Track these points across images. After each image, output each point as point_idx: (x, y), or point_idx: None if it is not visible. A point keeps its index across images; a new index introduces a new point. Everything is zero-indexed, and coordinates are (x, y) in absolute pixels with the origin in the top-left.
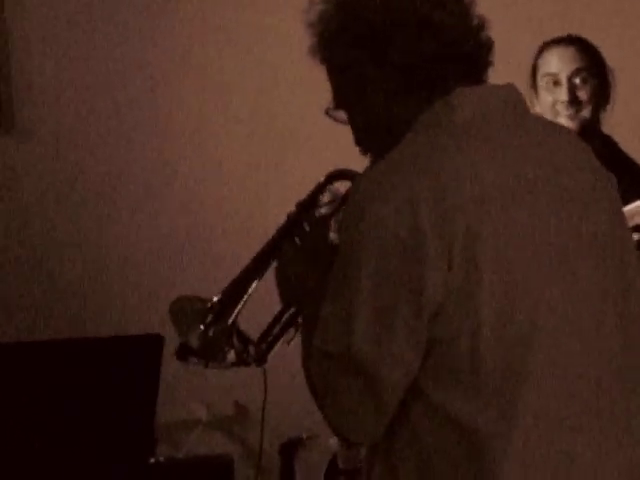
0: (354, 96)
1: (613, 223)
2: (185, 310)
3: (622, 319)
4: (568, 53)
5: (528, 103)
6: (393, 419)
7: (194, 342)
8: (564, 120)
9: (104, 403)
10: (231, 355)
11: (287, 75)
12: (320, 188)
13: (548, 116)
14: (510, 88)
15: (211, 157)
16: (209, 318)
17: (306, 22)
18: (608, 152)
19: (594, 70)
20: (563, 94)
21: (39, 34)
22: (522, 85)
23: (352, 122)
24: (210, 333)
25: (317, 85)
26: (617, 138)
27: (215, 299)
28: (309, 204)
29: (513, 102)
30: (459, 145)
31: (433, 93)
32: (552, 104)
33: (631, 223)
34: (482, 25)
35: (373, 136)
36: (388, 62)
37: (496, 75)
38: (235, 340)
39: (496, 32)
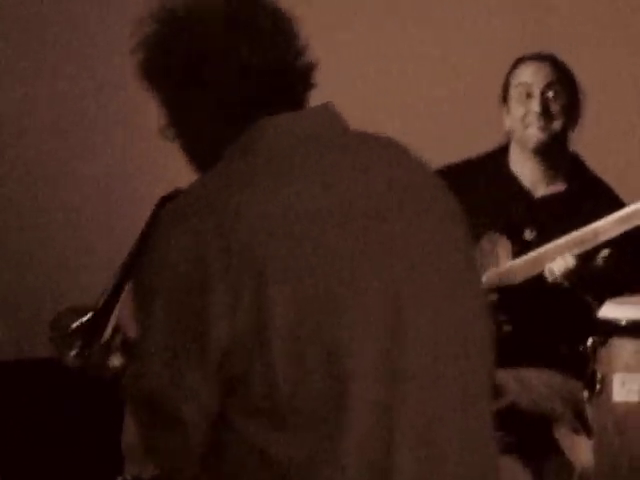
0: (176, 118)
1: (436, 238)
2: (63, 327)
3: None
4: (542, 67)
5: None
6: (212, 454)
7: (73, 362)
8: (534, 131)
9: (70, 422)
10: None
11: None
12: (155, 211)
13: (518, 128)
14: (324, 109)
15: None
16: (81, 341)
17: (131, 45)
18: (575, 169)
19: (566, 86)
20: (535, 105)
21: None
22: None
23: (179, 142)
24: (86, 353)
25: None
26: (585, 155)
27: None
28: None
29: (327, 123)
30: (252, 178)
31: (249, 122)
32: (523, 115)
33: (603, 238)
34: (300, 51)
35: (198, 158)
36: (203, 93)
37: (471, 92)
38: (119, 353)
39: (471, 49)
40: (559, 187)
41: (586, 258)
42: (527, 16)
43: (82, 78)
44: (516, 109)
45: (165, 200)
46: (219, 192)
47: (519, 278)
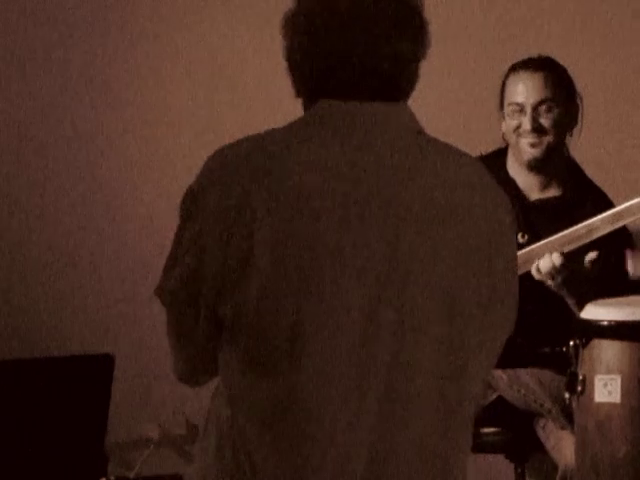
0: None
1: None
2: None
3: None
4: (535, 81)
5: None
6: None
7: None
8: (527, 147)
9: (54, 423)
10: None
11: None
12: None
13: (512, 138)
14: (394, 107)
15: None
16: None
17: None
18: (571, 175)
19: (560, 98)
20: (526, 122)
21: None
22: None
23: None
24: None
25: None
26: (583, 160)
27: None
28: None
29: (384, 118)
30: (287, 140)
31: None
32: (515, 128)
33: (594, 236)
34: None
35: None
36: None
37: (469, 93)
38: None
39: (469, 51)
40: (554, 192)
41: (572, 259)
42: (524, 19)
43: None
44: (509, 121)
45: None
46: (249, 146)
47: None
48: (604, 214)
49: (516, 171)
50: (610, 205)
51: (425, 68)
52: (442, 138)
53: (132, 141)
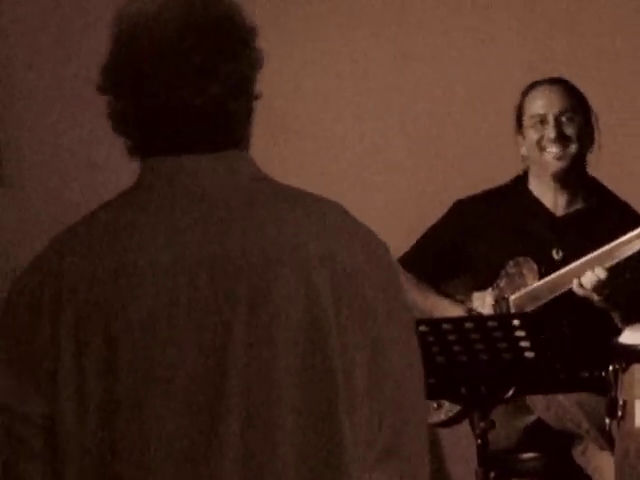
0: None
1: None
2: None
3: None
4: (554, 93)
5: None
6: None
7: None
8: (552, 159)
9: None
10: None
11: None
12: None
13: (535, 153)
14: (230, 157)
15: None
16: None
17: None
18: (594, 190)
19: (580, 109)
20: (550, 131)
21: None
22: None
23: None
24: None
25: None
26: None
27: None
28: None
29: (215, 174)
30: (116, 222)
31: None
32: (538, 140)
33: (629, 252)
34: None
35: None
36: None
37: (484, 118)
38: None
39: (481, 75)
40: (579, 206)
41: (615, 272)
42: (536, 42)
43: None
44: (531, 135)
45: None
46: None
47: (548, 296)
48: (638, 230)
49: (541, 191)
50: (635, 213)
51: (432, 103)
52: (452, 171)
53: None
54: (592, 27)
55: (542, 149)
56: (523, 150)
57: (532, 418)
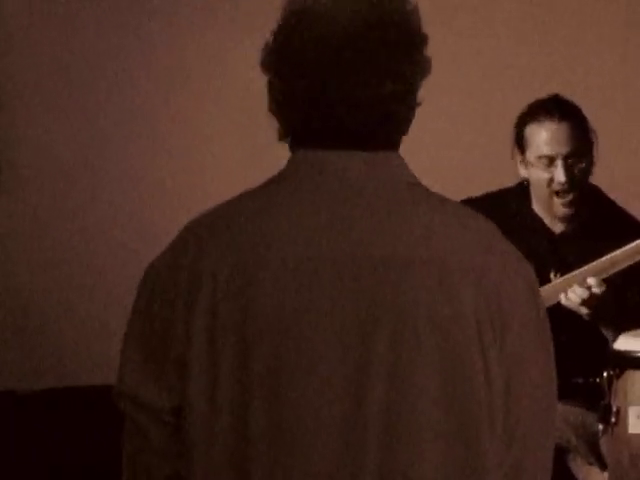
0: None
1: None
2: None
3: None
4: (562, 132)
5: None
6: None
7: None
8: (560, 206)
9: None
10: None
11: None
12: None
13: (543, 192)
14: (384, 158)
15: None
16: None
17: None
18: (597, 201)
19: (587, 146)
20: (560, 175)
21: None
22: None
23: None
24: None
25: None
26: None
27: None
28: None
29: (370, 173)
30: (262, 211)
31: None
32: (548, 181)
33: (620, 267)
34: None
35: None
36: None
37: (485, 120)
38: None
39: (482, 77)
40: (579, 221)
41: (606, 286)
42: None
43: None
44: (539, 174)
45: None
46: (237, 216)
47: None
48: (629, 246)
49: (541, 207)
50: (636, 226)
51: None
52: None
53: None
54: (590, 34)
55: (552, 192)
56: (522, 172)
57: None
